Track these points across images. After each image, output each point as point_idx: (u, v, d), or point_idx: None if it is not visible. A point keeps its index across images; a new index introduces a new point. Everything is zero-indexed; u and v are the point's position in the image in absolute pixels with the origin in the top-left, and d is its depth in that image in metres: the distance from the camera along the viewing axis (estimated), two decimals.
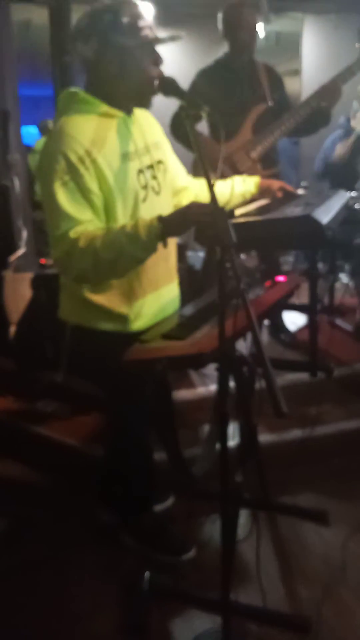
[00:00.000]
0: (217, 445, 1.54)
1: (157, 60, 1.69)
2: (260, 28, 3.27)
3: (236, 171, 2.69)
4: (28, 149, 4.91)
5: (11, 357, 2.84)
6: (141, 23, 1.64)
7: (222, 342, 1.38)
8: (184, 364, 1.67)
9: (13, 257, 3.12)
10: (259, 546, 1.83)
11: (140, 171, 1.78)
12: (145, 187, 1.79)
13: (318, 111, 2.71)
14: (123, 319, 1.82)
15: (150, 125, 1.90)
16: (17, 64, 3.90)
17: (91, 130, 1.67)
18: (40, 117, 6.66)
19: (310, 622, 1.72)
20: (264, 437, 2.41)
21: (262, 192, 2.13)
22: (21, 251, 3.32)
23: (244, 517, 2.11)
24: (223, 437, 1.48)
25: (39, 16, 4.44)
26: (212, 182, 1.40)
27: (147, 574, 1.85)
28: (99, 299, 1.80)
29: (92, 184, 1.63)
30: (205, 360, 1.41)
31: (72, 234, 1.57)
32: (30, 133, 6.94)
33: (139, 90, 1.73)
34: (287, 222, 1.76)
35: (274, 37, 6.53)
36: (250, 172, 2.61)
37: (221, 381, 1.46)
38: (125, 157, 1.73)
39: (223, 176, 2.18)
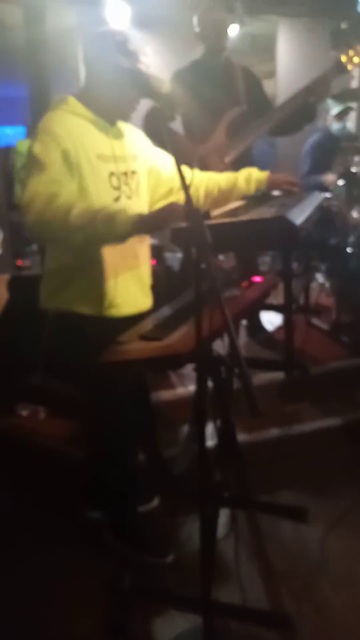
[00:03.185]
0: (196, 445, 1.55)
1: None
2: (234, 29, 3.29)
3: None
4: (4, 150, 4.86)
5: None
6: (144, 58, 1.79)
7: (199, 343, 1.39)
8: (161, 365, 1.68)
9: None
10: (238, 545, 1.85)
11: (112, 174, 1.88)
12: (117, 188, 1.89)
13: (304, 107, 2.73)
14: (99, 300, 1.89)
15: (132, 138, 2.02)
16: None
17: (74, 126, 1.81)
18: (15, 118, 6.60)
19: (290, 619, 1.75)
20: (242, 437, 2.42)
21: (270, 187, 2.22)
22: None
23: (223, 516, 2.12)
24: (201, 436, 1.50)
25: (11, 16, 4.40)
26: (186, 182, 1.41)
27: (128, 575, 1.86)
28: (78, 279, 1.88)
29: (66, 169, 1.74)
30: (183, 361, 1.42)
31: (58, 194, 1.62)
32: (5, 134, 6.88)
33: (120, 110, 1.91)
34: (262, 223, 1.78)
35: (249, 39, 6.55)
36: None
37: (199, 381, 1.47)
38: (100, 157, 1.85)
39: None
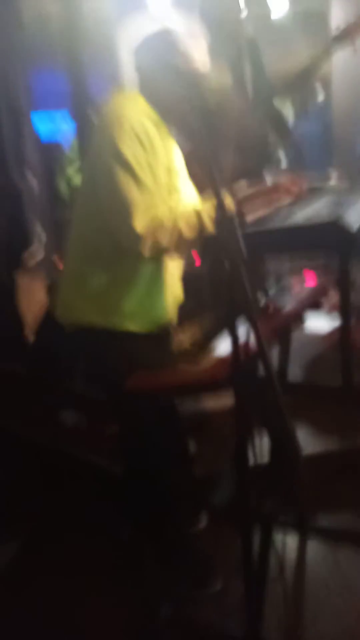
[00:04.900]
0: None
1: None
2: (279, 8, 3.05)
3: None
4: (45, 144, 4.80)
5: (28, 365, 2.74)
6: (193, 58, 1.69)
7: (235, 367, 1.22)
8: (194, 392, 1.52)
9: (30, 263, 3.02)
10: (285, 576, 1.66)
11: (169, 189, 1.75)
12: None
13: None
14: (124, 313, 1.77)
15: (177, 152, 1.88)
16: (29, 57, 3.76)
17: (148, 129, 1.66)
18: (54, 112, 6.56)
19: None
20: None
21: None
22: (39, 256, 3.20)
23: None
24: (242, 467, 1.33)
25: (48, 7, 4.31)
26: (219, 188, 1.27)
27: (165, 605, 1.72)
28: (120, 297, 1.76)
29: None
30: (220, 387, 1.25)
31: (155, 211, 1.59)
32: (44, 128, 6.83)
33: (167, 112, 1.75)
34: (311, 229, 1.53)
35: (300, 18, 6.26)
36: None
37: (239, 407, 1.31)
38: (164, 168, 1.72)
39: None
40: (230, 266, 1.19)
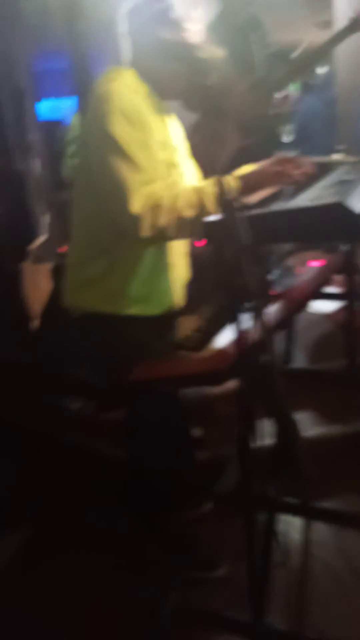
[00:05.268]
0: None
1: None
2: None
3: None
4: (47, 124, 4.74)
5: (33, 352, 2.72)
6: (187, 25, 1.63)
7: (240, 356, 1.21)
8: (197, 383, 1.50)
9: (33, 246, 2.98)
10: (290, 560, 1.67)
11: (163, 162, 1.70)
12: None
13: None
14: (127, 298, 1.74)
15: (174, 126, 1.85)
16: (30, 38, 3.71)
17: (137, 104, 1.62)
18: (55, 91, 6.48)
19: None
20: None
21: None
22: (42, 238, 3.18)
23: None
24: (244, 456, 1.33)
25: None
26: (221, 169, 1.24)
27: (172, 592, 1.72)
28: (124, 281, 1.73)
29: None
30: (223, 378, 1.24)
31: (152, 190, 1.53)
32: (46, 107, 6.75)
33: (168, 86, 1.71)
34: (314, 211, 1.49)
35: None
36: None
37: (241, 396, 1.30)
38: (159, 143, 1.67)
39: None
40: (232, 252, 1.16)
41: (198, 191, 1.55)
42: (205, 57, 1.49)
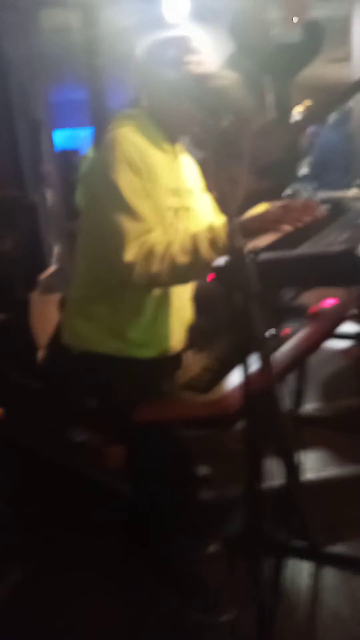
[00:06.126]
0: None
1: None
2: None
3: None
4: (63, 153, 4.79)
5: (40, 381, 2.71)
6: (187, 58, 1.61)
7: (247, 399, 1.18)
8: (202, 427, 1.47)
9: (43, 276, 2.99)
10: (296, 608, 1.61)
11: (170, 208, 1.67)
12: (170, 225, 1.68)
13: None
14: (129, 339, 1.72)
15: (188, 167, 1.83)
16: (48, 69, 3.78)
17: (145, 150, 1.61)
18: (72, 122, 6.58)
19: None
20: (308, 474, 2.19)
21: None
22: (53, 268, 3.19)
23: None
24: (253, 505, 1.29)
25: (66, 20, 4.32)
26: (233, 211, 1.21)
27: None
28: (125, 325, 1.71)
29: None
30: (230, 423, 1.21)
31: (147, 238, 1.52)
32: (63, 137, 6.85)
33: (172, 126, 1.69)
34: (324, 259, 1.46)
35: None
36: None
37: (250, 440, 1.27)
38: (167, 190, 1.65)
39: None
40: (241, 297, 1.14)
41: (193, 237, 1.53)
42: (217, 85, 1.45)
